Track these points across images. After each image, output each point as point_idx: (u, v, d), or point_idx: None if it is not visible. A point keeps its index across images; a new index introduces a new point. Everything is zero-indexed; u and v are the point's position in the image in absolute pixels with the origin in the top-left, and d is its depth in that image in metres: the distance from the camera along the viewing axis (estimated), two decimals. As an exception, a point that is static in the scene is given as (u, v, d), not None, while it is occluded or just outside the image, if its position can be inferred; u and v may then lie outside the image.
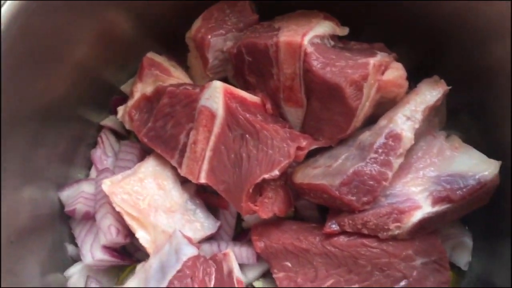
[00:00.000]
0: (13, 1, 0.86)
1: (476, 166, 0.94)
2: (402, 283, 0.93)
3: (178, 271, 0.88)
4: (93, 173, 1.14)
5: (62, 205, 1.09)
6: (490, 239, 1.03)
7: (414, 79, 1.01)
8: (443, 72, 1.03)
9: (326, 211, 1.05)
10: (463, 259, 1.03)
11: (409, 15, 1.05)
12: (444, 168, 0.95)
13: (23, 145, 0.99)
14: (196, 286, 0.87)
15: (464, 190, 0.91)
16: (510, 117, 0.97)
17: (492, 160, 0.94)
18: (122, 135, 1.18)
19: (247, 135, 0.97)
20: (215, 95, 0.98)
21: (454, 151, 0.97)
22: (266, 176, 0.94)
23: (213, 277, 0.90)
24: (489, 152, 0.98)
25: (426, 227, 0.93)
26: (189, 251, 0.91)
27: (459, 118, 1.08)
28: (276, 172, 0.94)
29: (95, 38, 1.05)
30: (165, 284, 0.87)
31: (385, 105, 0.99)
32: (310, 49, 0.95)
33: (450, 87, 0.97)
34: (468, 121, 1.09)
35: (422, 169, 0.96)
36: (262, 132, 0.95)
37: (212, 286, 0.89)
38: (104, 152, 1.14)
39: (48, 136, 1.06)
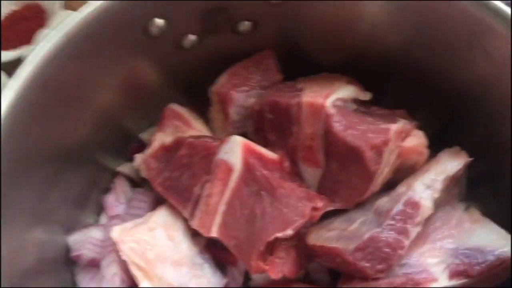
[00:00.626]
0: (45, 45, 0.89)
1: (496, 241, 0.91)
2: None
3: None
4: (103, 219, 1.13)
5: (68, 250, 1.07)
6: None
7: (434, 147, 1.00)
8: (464, 141, 1.02)
9: (337, 276, 1.02)
10: None
11: (431, 83, 1.06)
12: (462, 241, 0.93)
13: (38, 185, 0.98)
14: None
15: (483, 265, 0.88)
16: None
17: (512, 236, 0.92)
18: (136, 183, 1.18)
19: (262, 192, 0.96)
20: (234, 149, 0.98)
21: (473, 224, 0.95)
22: (279, 235, 0.92)
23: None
24: (508, 226, 0.95)
25: (442, 303, 0.89)
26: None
27: (478, 190, 1.06)
28: (289, 232, 0.92)
29: (120, 85, 1.07)
30: None
31: (404, 172, 0.98)
32: (332, 110, 0.96)
33: (471, 159, 0.96)
34: (487, 193, 1.07)
35: (440, 240, 0.93)
36: (279, 190, 0.94)
37: None
38: (116, 198, 1.14)
39: (64, 178, 1.05)
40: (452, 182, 0.96)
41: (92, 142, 1.10)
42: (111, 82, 1.05)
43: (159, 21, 0.98)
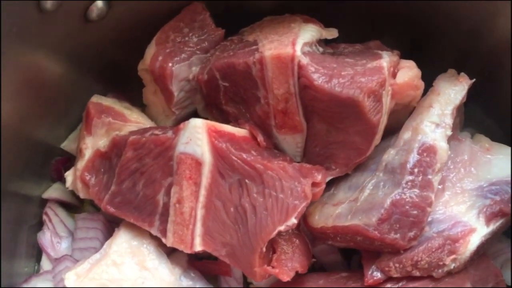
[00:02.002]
0: None
1: (519, 167, 0.80)
2: (465, 325, 0.77)
3: None
4: (45, 263, 0.88)
5: (11, 315, 0.83)
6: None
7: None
8: (441, 62, 0.90)
9: (351, 251, 0.87)
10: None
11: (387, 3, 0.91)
12: (483, 176, 0.80)
13: None
14: None
15: (517, 198, 0.77)
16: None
17: (532, 155, 0.81)
18: (73, 205, 0.93)
19: (246, 180, 0.76)
20: (197, 137, 0.76)
21: (487, 154, 0.83)
22: (281, 228, 0.74)
23: None
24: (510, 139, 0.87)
25: (480, 251, 0.77)
26: None
27: (469, 111, 0.94)
28: (293, 221, 0.74)
29: (17, 90, 0.81)
30: None
31: (398, 113, 0.83)
32: (304, 60, 0.77)
33: (474, 80, 0.83)
34: (480, 111, 0.96)
35: (459, 182, 0.80)
36: (266, 173, 0.75)
37: None
38: (55, 233, 0.89)
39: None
40: (457, 111, 0.82)
41: (3, 170, 0.84)
42: (4, 85, 0.78)
43: (52, -10, 0.72)
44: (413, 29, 0.93)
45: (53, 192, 0.93)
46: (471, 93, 0.90)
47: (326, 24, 0.91)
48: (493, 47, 0.87)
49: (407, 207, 0.73)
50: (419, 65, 0.87)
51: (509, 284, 0.89)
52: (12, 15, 0.70)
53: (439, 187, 0.79)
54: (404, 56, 0.88)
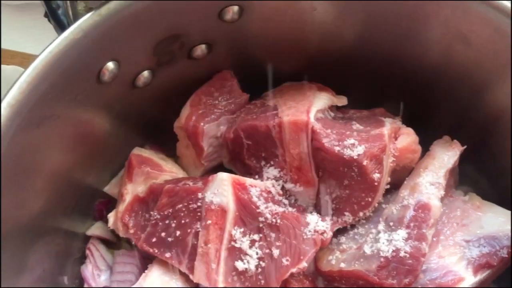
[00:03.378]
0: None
1: (505, 224, 0.90)
2: None
3: None
4: (86, 293, 1.00)
5: None
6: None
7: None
8: (440, 127, 1.02)
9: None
10: (503, 322, 0.97)
11: (392, 74, 1.03)
12: (473, 231, 0.91)
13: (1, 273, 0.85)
14: None
15: (501, 252, 0.87)
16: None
17: (519, 216, 0.91)
18: (112, 242, 1.06)
19: (264, 227, 0.88)
20: (223, 188, 0.89)
21: (477, 211, 0.94)
22: (294, 270, 0.86)
23: None
24: (502, 199, 0.96)
25: (468, 298, 0.87)
26: None
27: (464, 172, 1.05)
28: (304, 264, 0.86)
29: (71, 143, 0.94)
30: None
31: (398, 172, 0.95)
32: (317, 126, 0.90)
33: (465, 147, 0.94)
34: (474, 172, 1.06)
35: (451, 236, 0.91)
36: (282, 222, 0.87)
37: None
38: (96, 266, 1.01)
39: (30, 256, 0.92)
40: (451, 173, 0.94)
41: (52, 209, 0.97)
42: (61, 141, 0.92)
43: (111, 65, 0.86)
44: (414, 99, 1.04)
45: (95, 230, 1.05)
46: (467, 155, 1.01)
47: (338, 90, 1.04)
48: (486, 117, 0.97)
49: (403, 256, 0.84)
50: (418, 131, 0.99)
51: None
52: (76, 86, 0.84)
53: (434, 239, 0.90)
54: (406, 121, 1.01)
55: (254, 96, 1.06)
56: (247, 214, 0.89)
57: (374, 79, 1.07)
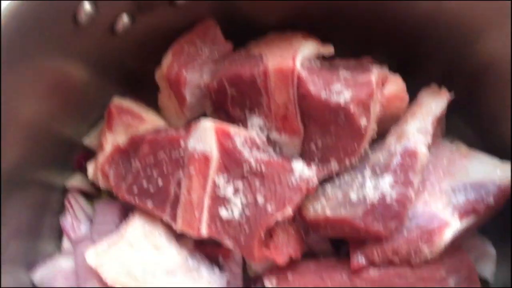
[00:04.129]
0: None
1: (492, 172, 0.89)
2: (439, 308, 0.86)
3: None
4: (66, 243, 0.98)
5: (35, 288, 0.92)
6: (507, 243, 0.98)
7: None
8: (427, 74, 1.00)
9: (340, 241, 0.97)
10: (488, 270, 0.98)
11: (380, 21, 1.00)
12: (459, 179, 0.90)
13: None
14: None
15: (488, 199, 0.87)
16: (506, 112, 0.94)
17: (506, 163, 0.90)
18: (92, 194, 1.03)
19: (249, 175, 0.86)
20: (206, 136, 0.87)
21: (463, 159, 0.93)
22: (279, 217, 0.84)
23: None
24: (489, 150, 0.95)
25: (454, 243, 0.87)
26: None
27: (452, 123, 1.04)
28: (289, 211, 0.84)
29: (47, 91, 0.90)
30: None
31: (386, 121, 0.93)
32: (303, 72, 0.87)
33: (453, 95, 0.93)
34: (462, 124, 1.05)
35: (438, 183, 0.90)
36: (267, 169, 0.86)
37: None
38: (75, 217, 0.99)
39: (8, 208, 0.89)
40: (438, 121, 0.92)
41: (30, 160, 0.94)
42: (36, 87, 0.88)
43: (87, 5, 0.82)
44: (402, 49, 1.02)
45: (74, 181, 1.02)
46: (455, 107, 1.00)
47: (325, 41, 1.02)
48: (476, 67, 0.95)
49: (389, 202, 0.83)
50: (407, 80, 0.97)
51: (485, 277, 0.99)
52: (51, 29, 0.80)
53: (420, 187, 0.90)
54: (394, 71, 0.99)
55: (238, 47, 1.03)
56: (231, 162, 0.87)
57: (361, 28, 1.04)
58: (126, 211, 0.97)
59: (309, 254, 0.97)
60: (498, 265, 0.98)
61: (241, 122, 0.96)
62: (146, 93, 1.04)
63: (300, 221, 0.92)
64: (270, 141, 0.94)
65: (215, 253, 0.95)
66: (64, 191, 1.03)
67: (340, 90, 0.86)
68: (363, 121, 0.85)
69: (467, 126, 1.04)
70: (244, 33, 1.03)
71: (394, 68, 1.00)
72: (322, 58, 1.00)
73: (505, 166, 0.90)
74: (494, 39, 0.89)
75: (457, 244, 0.89)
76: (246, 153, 0.87)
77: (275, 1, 1.01)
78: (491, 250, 0.97)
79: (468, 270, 0.89)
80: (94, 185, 1.02)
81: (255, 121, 0.94)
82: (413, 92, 0.97)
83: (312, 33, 1.00)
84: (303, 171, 0.86)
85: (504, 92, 0.93)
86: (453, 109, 1.00)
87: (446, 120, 1.02)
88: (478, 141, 1.02)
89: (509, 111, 0.94)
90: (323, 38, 1.00)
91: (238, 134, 0.89)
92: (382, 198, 0.83)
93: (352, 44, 1.04)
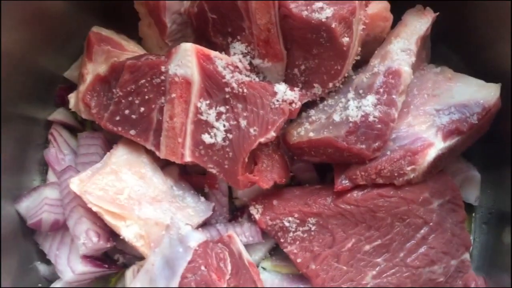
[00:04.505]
0: None
1: (477, 93, 0.89)
2: (424, 230, 0.87)
3: (190, 262, 0.75)
4: (51, 176, 0.97)
5: (22, 220, 0.92)
6: (494, 169, 0.99)
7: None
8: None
9: (325, 170, 0.97)
10: (473, 194, 0.98)
11: None
12: (444, 100, 0.89)
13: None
14: (213, 275, 0.75)
15: (472, 118, 0.86)
16: (493, 36, 0.93)
17: (491, 84, 0.90)
18: (75, 128, 1.02)
19: (231, 98, 0.85)
20: (187, 59, 0.85)
21: (449, 82, 0.92)
22: (262, 139, 0.84)
23: (228, 262, 0.78)
24: (475, 75, 0.93)
25: (438, 165, 0.87)
26: (197, 238, 0.78)
27: (438, 49, 1.03)
28: (272, 134, 0.84)
29: (22, 20, 0.88)
30: (177, 280, 0.74)
31: (371, 44, 0.92)
32: (284, -8, 0.85)
33: (437, 13, 0.91)
34: (448, 50, 1.04)
35: (422, 106, 0.89)
36: (249, 91, 0.84)
37: (229, 272, 0.77)
38: (59, 150, 0.98)
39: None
40: (422, 43, 0.91)
41: (11, 94, 0.92)
42: (15, 16, 0.86)
43: None
44: None
45: (57, 115, 1.01)
46: (441, 34, 0.99)
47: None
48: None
49: (372, 121, 0.82)
50: (394, 4, 0.95)
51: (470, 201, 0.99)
52: None
53: (404, 110, 0.89)
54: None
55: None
56: (213, 85, 0.85)
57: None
58: (110, 142, 0.96)
59: (295, 184, 0.98)
60: (482, 190, 0.99)
61: (224, 50, 0.94)
62: (127, 23, 1.02)
63: (284, 148, 0.92)
64: (253, 68, 0.93)
65: (200, 182, 0.95)
66: (48, 125, 1.02)
67: (321, 6, 0.83)
68: (345, 39, 0.83)
69: (453, 53, 1.03)
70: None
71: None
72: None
73: (490, 86, 0.89)
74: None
75: (442, 168, 0.89)
76: (227, 75, 0.85)
77: None
78: (476, 174, 0.98)
79: (452, 193, 0.90)
80: (77, 118, 1.01)
81: (238, 47, 0.92)
82: (399, 15, 0.95)
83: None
84: (285, 93, 0.85)
85: (489, 15, 0.91)
86: (440, 36, 0.99)
87: (434, 49, 1.00)
88: (464, 66, 1.01)
89: (494, 35, 0.92)
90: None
91: (219, 58, 0.87)
92: (365, 117, 0.82)
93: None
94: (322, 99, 0.92)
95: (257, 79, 0.89)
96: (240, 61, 0.90)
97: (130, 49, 0.97)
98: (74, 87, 1.01)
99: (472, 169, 0.98)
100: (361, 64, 0.92)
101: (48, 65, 1.00)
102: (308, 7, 0.84)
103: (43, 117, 1.02)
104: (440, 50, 1.03)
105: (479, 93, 0.88)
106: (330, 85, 0.88)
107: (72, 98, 0.96)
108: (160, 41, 0.99)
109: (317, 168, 0.97)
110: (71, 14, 0.97)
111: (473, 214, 1.01)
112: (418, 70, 0.94)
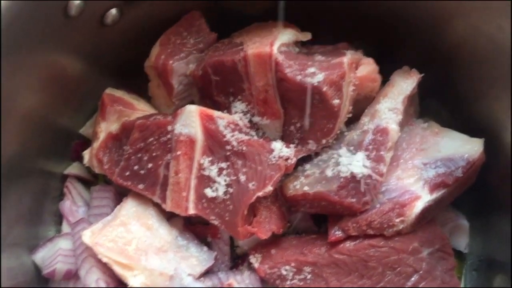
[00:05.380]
0: None
1: (461, 147, 0.95)
2: (414, 278, 0.91)
3: (191, 311, 0.81)
4: (65, 227, 1.04)
5: (37, 269, 0.98)
6: (482, 217, 1.04)
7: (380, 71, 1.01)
8: (405, 59, 1.04)
9: (321, 220, 1.02)
10: (462, 241, 1.03)
11: (358, 10, 1.06)
12: (431, 154, 0.95)
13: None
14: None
15: (457, 172, 0.92)
16: (478, 92, 0.99)
17: (475, 139, 0.96)
18: (89, 181, 1.10)
19: (231, 155, 0.92)
20: (191, 120, 0.93)
21: (435, 137, 0.98)
22: (260, 194, 0.90)
23: (228, 310, 0.83)
24: (464, 130, 1.00)
25: (426, 216, 0.92)
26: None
27: (428, 104, 1.09)
28: (269, 188, 0.90)
29: (43, 83, 0.96)
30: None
31: (361, 102, 0.99)
32: (280, 57, 0.93)
33: (422, 75, 0.98)
34: (437, 104, 1.11)
35: (410, 160, 0.95)
36: (248, 149, 0.91)
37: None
38: (74, 203, 1.05)
39: (10, 195, 0.95)
40: (409, 101, 0.98)
41: (29, 150, 1.00)
42: (33, 80, 0.94)
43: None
44: (379, 36, 1.08)
45: (72, 169, 1.09)
46: (429, 88, 1.05)
47: (304, 29, 1.07)
48: (447, 51, 1.00)
49: (362, 177, 0.89)
50: (384, 65, 1.02)
51: (460, 248, 1.04)
52: (41, 21, 0.85)
53: (394, 164, 0.95)
54: (373, 56, 1.04)
55: (223, 37, 1.09)
56: (215, 143, 0.93)
57: (339, 18, 1.09)
58: (120, 195, 1.03)
59: (293, 233, 1.03)
60: (472, 237, 1.04)
61: (226, 108, 1.02)
62: (138, 83, 1.10)
63: (282, 200, 0.98)
64: (253, 125, 1.00)
65: (204, 232, 1.01)
66: (63, 179, 1.09)
67: (313, 72, 0.91)
68: (336, 101, 0.91)
69: (442, 107, 1.09)
70: (229, 24, 1.09)
71: (370, 54, 1.05)
72: (302, 45, 1.06)
73: (474, 141, 0.95)
74: (463, 23, 0.94)
75: (431, 218, 0.94)
76: (228, 134, 0.92)
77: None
78: (464, 223, 1.03)
79: (441, 241, 0.94)
80: (91, 172, 1.08)
81: (239, 106, 1.00)
82: (389, 76, 1.02)
83: (294, 23, 1.06)
84: (281, 150, 0.92)
85: (473, 73, 0.98)
86: (429, 92, 1.06)
87: (423, 103, 1.07)
88: (452, 120, 1.07)
89: (479, 91, 0.99)
90: (304, 27, 1.06)
91: (221, 117, 0.94)
92: (355, 173, 0.88)
93: (331, 32, 1.09)
94: (317, 154, 0.98)
95: (255, 137, 0.96)
96: (241, 119, 0.98)
97: (140, 108, 1.06)
98: (88, 142, 1.09)
99: (461, 218, 1.03)
100: (353, 120, 0.98)
101: (65, 123, 1.08)
102: (302, 72, 0.92)
103: (59, 171, 1.09)
104: (430, 105, 1.10)
105: (464, 147, 0.94)
106: (324, 141, 0.95)
107: (86, 154, 1.04)
108: (168, 100, 1.07)
109: (314, 218, 1.02)
110: (87, 76, 1.05)
111: (464, 261, 1.05)
112: (407, 125, 1.00)
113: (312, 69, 0.91)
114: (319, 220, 1.02)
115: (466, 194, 0.99)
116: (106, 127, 1.03)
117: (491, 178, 0.99)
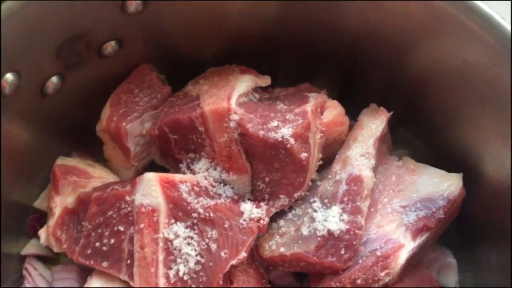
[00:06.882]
0: None
1: (440, 185, 0.90)
2: (406, 330, 0.86)
3: None
4: (28, 315, 0.96)
5: None
6: (469, 250, 0.99)
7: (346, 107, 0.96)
8: (370, 94, 1.01)
9: (303, 274, 0.96)
10: (451, 279, 0.98)
11: (316, 47, 1.01)
12: (409, 196, 0.90)
13: None
14: None
15: (438, 213, 0.87)
16: (449, 119, 0.96)
17: (453, 174, 0.91)
18: (49, 258, 1.01)
19: (199, 223, 0.86)
20: (151, 189, 0.86)
21: (412, 175, 0.93)
22: (234, 262, 0.84)
23: None
24: (437, 159, 0.97)
25: (411, 263, 0.87)
26: None
27: (399, 135, 1.05)
28: (243, 254, 0.84)
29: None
30: None
31: (330, 146, 0.93)
32: (240, 111, 0.87)
33: (392, 112, 0.93)
34: (409, 135, 1.07)
35: (389, 203, 0.90)
36: (216, 215, 0.85)
37: None
38: (34, 285, 0.97)
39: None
40: (381, 142, 0.92)
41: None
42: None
43: (10, 76, 0.81)
44: (341, 72, 1.04)
45: (30, 248, 1.00)
46: (400, 119, 1.01)
47: (265, 71, 1.01)
48: (412, 78, 0.96)
49: (340, 233, 0.83)
50: (349, 101, 0.97)
51: (450, 286, 0.99)
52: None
53: (372, 209, 0.90)
54: (334, 94, 0.99)
55: (180, 86, 1.02)
56: (180, 212, 0.86)
57: (298, 56, 1.05)
58: (84, 272, 0.95)
59: (274, 290, 0.98)
60: (461, 271, 0.99)
61: (189, 166, 0.95)
62: (93, 147, 1.03)
63: (259, 260, 0.92)
64: (220, 182, 0.93)
65: (178, 304, 0.94)
66: (22, 259, 1.01)
67: (277, 125, 0.85)
68: (303, 154, 0.85)
69: (414, 137, 1.06)
70: (184, 72, 1.03)
71: (334, 91, 1.01)
72: (261, 88, 1.00)
73: (452, 177, 0.90)
74: (424, 52, 0.90)
75: (416, 261, 0.90)
76: (193, 202, 0.86)
77: (209, 38, 1.01)
78: (452, 261, 0.98)
79: (429, 284, 0.90)
80: (50, 248, 1.00)
81: (202, 163, 0.93)
82: (356, 112, 0.97)
83: (252, 64, 1.00)
84: (252, 212, 0.86)
85: (441, 101, 0.94)
86: (399, 122, 1.01)
87: (394, 133, 1.02)
88: (426, 149, 1.04)
89: (450, 118, 0.95)
90: (263, 68, 1.00)
91: (183, 182, 0.88)
92: (333, 230, 0.83)
93: (292, 72, 1.05)
94: (291, 208, 0.92)
95: (222, 199, 0.89)
96: (206, 178, 0.92)
97: (97, 175, 0.98)
98: (45, 215, 1.01)
99: (448, 256, 0.98)
100: (325, 165, 0.93)
101: (18, 197, 1.00)
102: (264, 126, 0.86)
103: (16, 251, 1.00)
104: (401, 135, 1.06)
105: (442, 185, 0.90)
106: (296, 195, 0.89)
107: (42, 233, 0.96)
108: (126, 162, 1.00)
109: (295, 273, 0.96)
110: (37, 145, 0.98)
111: (456, 298, 1.01)
112: (381, 165, 0.95)
113: (275, 123, 0.85)
114: (301, 274, 0.96)
115: (451, 228, 0.95)
116: (61, 202, 0.95)
117: (474, 210, 0.95)
